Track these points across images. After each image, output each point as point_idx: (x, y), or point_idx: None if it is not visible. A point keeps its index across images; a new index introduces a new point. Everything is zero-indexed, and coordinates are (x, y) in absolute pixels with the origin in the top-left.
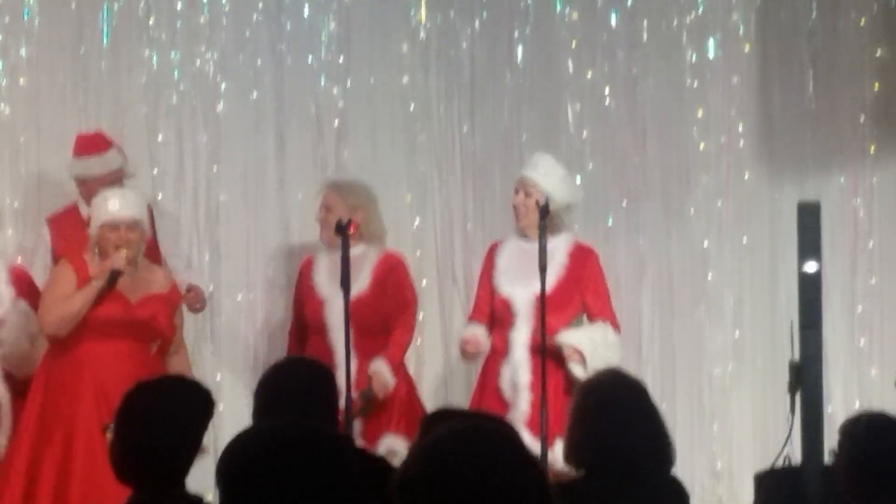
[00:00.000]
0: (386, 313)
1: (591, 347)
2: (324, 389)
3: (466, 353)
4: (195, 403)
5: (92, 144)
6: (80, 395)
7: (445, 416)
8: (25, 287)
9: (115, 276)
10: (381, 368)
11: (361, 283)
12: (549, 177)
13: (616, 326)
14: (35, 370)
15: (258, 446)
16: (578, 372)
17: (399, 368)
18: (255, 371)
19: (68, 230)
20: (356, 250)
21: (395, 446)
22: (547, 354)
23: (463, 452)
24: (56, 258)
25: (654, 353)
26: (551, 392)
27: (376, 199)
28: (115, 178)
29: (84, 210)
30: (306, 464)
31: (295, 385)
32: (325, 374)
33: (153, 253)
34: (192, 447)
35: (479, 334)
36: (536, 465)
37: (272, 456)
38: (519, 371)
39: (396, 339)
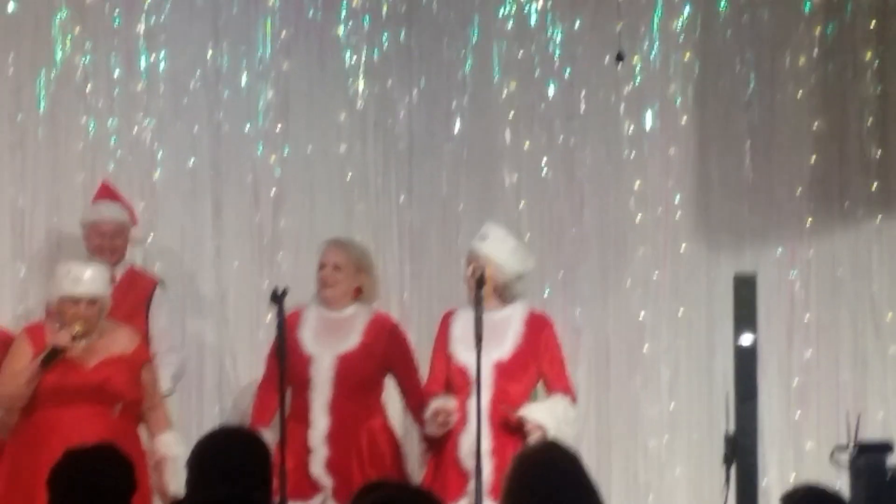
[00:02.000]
0: (370, 372)
1: (554, 424)
2: (258, 459)
3: (438, 423)
4: (120, 472)
5: (104, 192)
6: (42, 462)
7: (378, 488)
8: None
9: (54, 353)
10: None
11: (351, 341)
12: (497, 248)
13: (573, 397)
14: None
15: None
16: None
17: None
18: (188, 437)
19: None
20: (347, 311)
21: None
22: (507, 425)
23: None
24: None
25: (591, 424)
26: (510, 458)
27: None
28: (105, 232)
29: None
30: None
31: (228, 455)
32: (258, 445)
33: (131, 318)
34: None
35: (450, 405)
36: None
37: None
38: (481, 439)
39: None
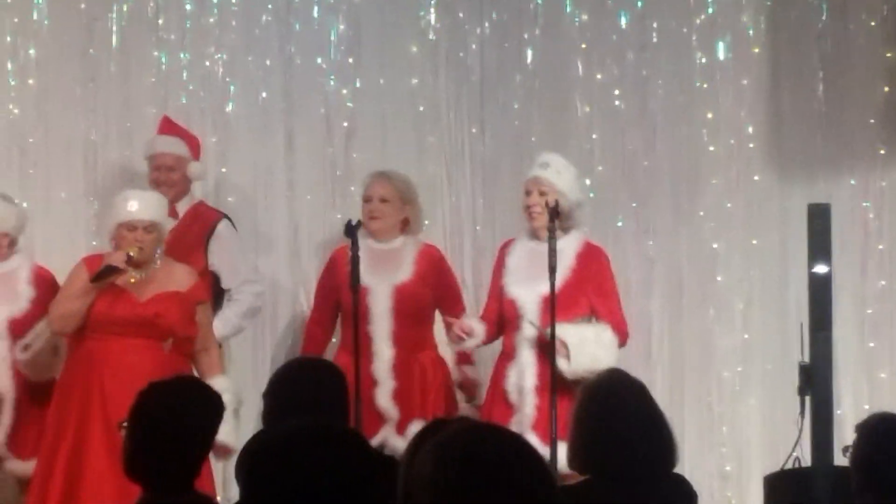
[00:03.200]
0: (426, 302)
1: (578, 341)
2: (335, 389)
3: (452, 335)
4: (204, 406)
5: (165, 126)
6: (90, 392)
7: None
8: (47, 287)
9: (108, 271)
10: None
11: (404, 272)
12: (561, 175)
13: (620, 329)
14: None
15: (277, 444)
16: (563, 365)
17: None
18: (262, 371)
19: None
20: (395, 243)
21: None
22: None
23: (475, 452)
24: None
25: (664, 356)
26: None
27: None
28: (160, 166)
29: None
30: (323, 459)
31: (305, 386)
32: (335, 374)
33: (190, 253)
34: (200, 449)
35: (475, 325)
36: (546, 466)
37: (291, 452)
38: (525, 374)
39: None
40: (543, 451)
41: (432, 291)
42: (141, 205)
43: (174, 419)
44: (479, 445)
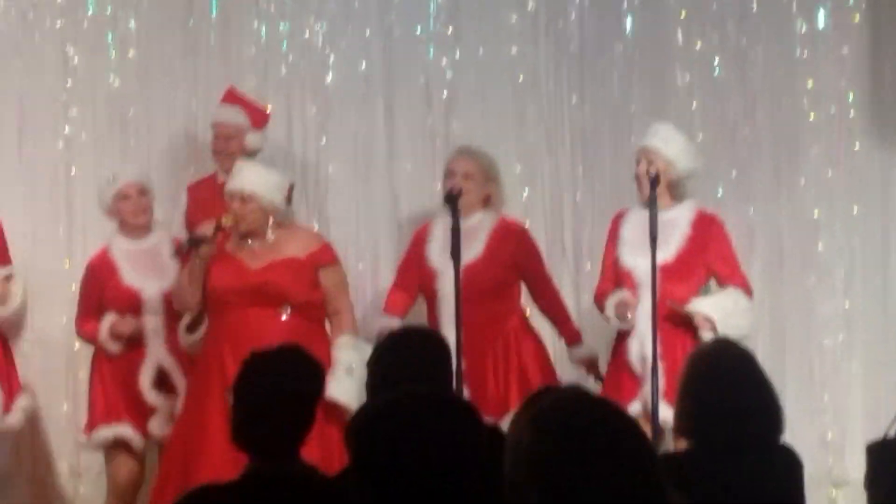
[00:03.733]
0: (496, 281)
1: (722, 315)
2: (441, 358)
3: (622, 311)
4: (306, 375)
5: (227, 96)
6: (213, 364)
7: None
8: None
9: (192, 242)
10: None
11: (475, 250)
12: (670, 144)
13: (748, 291)
14: None
15: (389, 412)
16: (707, 337)
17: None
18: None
19: (203, 197)
20: (473, 219)
21: None
22: (676, 323)
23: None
24: (188, 225)
25: (765, 324)
26: (680, 360)
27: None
28: (219, 134)
29: (221, 178)
30: (436, 428)
31: (411, 355)
32: (439, 342)
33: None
34: (305, 418)
35: (627, 296)
36: (645, 437)
37: (403, 420)
38: (646, 343)
39: (562, 310)
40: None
41: (509, 265)
42: (239, 176)
43: (274, 387)
44: (577, 416)
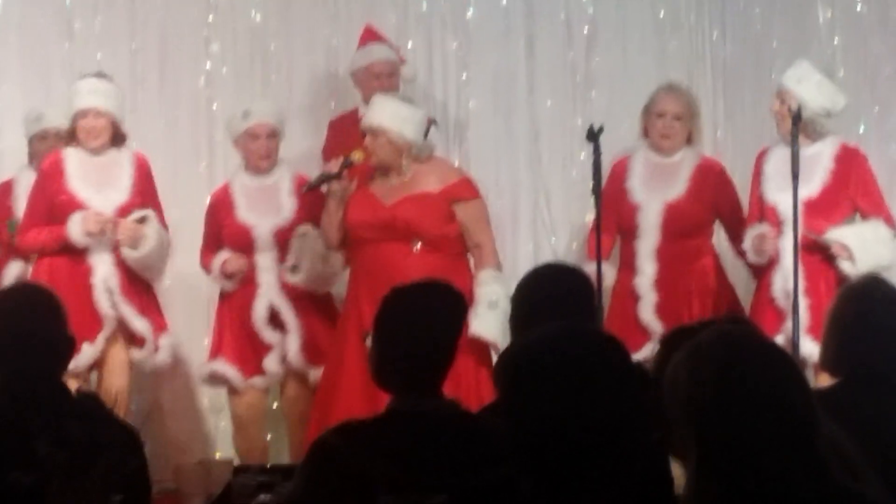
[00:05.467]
0: (698, 219)
1: (859, 242)
2: (582, 294)
3: (763, 251)
4: (450, 308)
5: (360, 38)
6: (351, 298)
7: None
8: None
9: (320, 180)
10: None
11: (678, 188)
12: (802, 83)
13: (891, 223)
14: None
15: (538, 348)
16: (847, 268)
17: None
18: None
19: (344, 133)
20: (678, 156)
21: None
22: (820, 257)
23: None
24: (326, 158)
25: None
26: (823, 294)
27: None
28: (382, 73)
29: (363, 112)
30: (585, 363)
31: (554, 290)
32: (582, 278)
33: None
34: (447, 354)
35: (767, 230)
36: (803, 376)
37: (553, 357)
38: (789, 278)
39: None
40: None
41: (709, 204)
42: (370, 111)
43: (415, 322)
44: (735, 356)
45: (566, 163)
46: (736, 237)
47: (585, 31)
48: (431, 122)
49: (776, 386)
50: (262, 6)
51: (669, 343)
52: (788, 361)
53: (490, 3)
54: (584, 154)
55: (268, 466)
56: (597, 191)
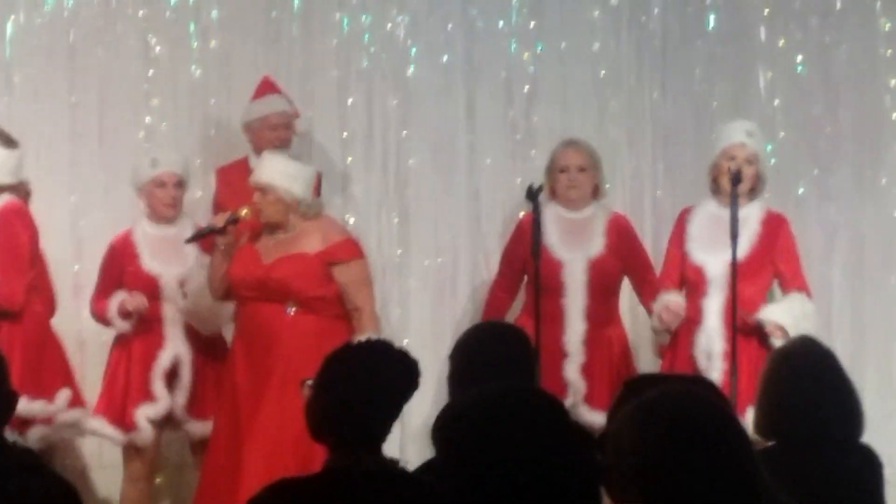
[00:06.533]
0: (618, 275)
1: (793, 322)
2: (520, 352)
3: (665, 320)
4: (402, 371)
5: (257, 89)
6: (232, 354)
7: (650, 381)
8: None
9: (202, 232)
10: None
11: (596, 245)
12: (760, 144)
13: (808, 293)
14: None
15: (476, 407)
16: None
17: None
18: (441, 335)
19: (234, 181)
20: (587, 211)
21: None
22: (742, 325)
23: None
24: (216, 209)
25: (845, 324)
26: (745, 362)
27: None
28: (278, 124)
29: (253, 163)
30: (523, 422)
31: (492, 348)
32: (520, 336)
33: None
34: (393, 413)
35: (680, 301)
36: (747, 436)
37: (491, 415)
38: (713, 339)
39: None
40: None
41: (622, 262)
42: (259, 167)
43: (359, 379)
44: (684, 412)
45: (505, 221)
46: (646, 293)
47: (526, 90)
48: (320, 177)
49: (722, 447)
50: (201, 62)
51: (634, 388)
52: (736, 424)
53: (431, 60)
54: (524, 213)
55: None
56: (536, 250)
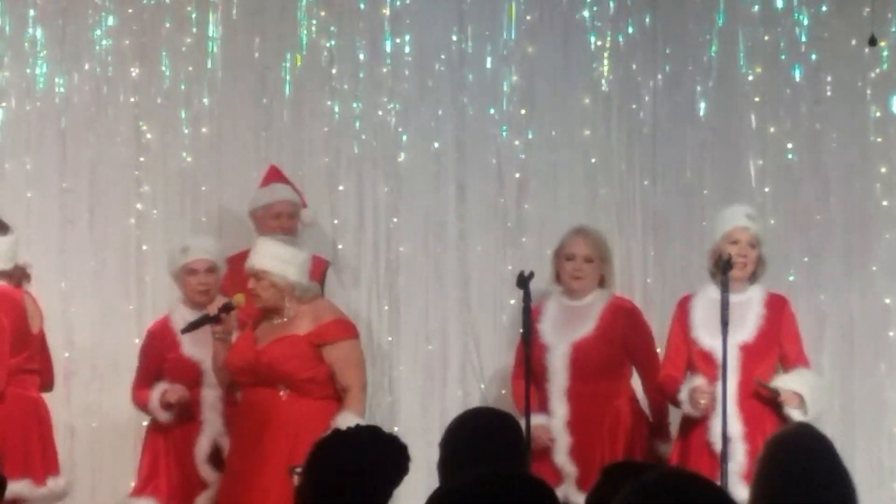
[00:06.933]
0: (607, 358)
1: (809, 390)
2: (510, 439)
3: (699, 404)
4: (390, 456)
5: (264, 177)
6: (233, 440)
7: (630, 468)
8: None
9: (200, 320)
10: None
11: (586, 328)
12: (756, 221)
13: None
14: None
15: (466, 493)
16: (797, 416)
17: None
18: (432, 421)
19: (241, 269)
20: (588, 298)
21: None
22: (761, 403)
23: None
24: (225, 294)
25: (834, 409)
26: (762, 441)
27: None
28: (282, 213)
29: None
30: None
31: (482, 435)
32: (511, 423)
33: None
34: (382, 500)
35: (706, 384)
36: None
37: (486, 501)
38: (730, 423)
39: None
40: None
41: (620, 344)
42: (252, 253)
43: (357, 468)
44: (687, 494)
45: (496, 308)
46: (648, 378)
47: (517, 177)
48: (328, 264)
49: None
50: (192, 148)
51: (612, 475)
52: None
53: (421, 147)
54: (514, 300)
55: None
56: (526, 337)
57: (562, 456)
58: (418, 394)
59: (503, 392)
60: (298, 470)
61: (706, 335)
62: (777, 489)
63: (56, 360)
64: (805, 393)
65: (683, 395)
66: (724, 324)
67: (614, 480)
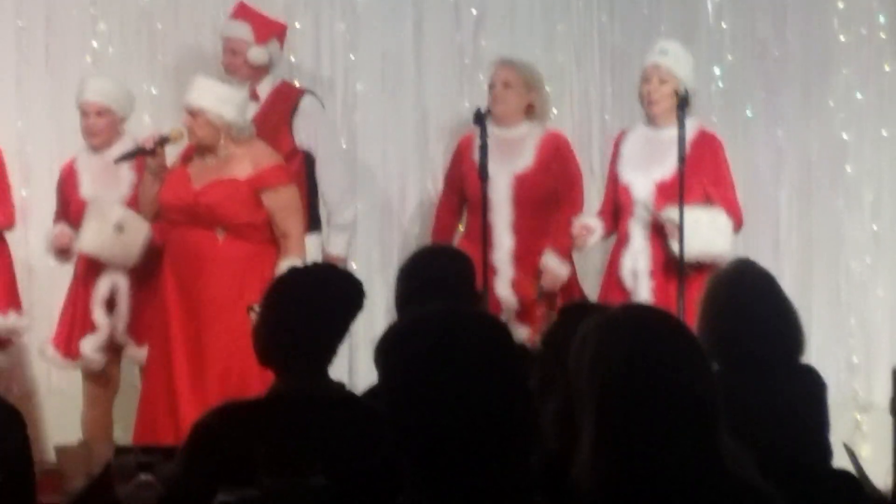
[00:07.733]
0: (548, 191)
1: (692, 223)
2: (463, 275)
3: (581, 234)
4: (346, 292)
5: (238, 11)
6: (166, 279)
7: (584, 308)
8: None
9: (135, 152)
10: (551, 262)
11: (525, 160)
12: (680, 62)
13: (736, 215)
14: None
15: (418, 329)
16: (675, 248)
17: (568, 253)
18: (389, 258)
19: None
20: (520, 130)
21: None
22: (664, 239)
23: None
24: None
25: (792, 246)
26: (669, 277)
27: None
28: (226, 48)
29: None
30: (466, 343)
31: (436, 271)
32: (463, 260)
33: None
34: (339, 335)
35: (591, 222)
36: (709, 363)
37: (434, 337)
38: (639, 258)
39: (563, 224)
40: None
41: (554, 179)
42: (189, 90)
43: (306, 302)
44: (646, 336)
45: (453, 145)
46: (564, 214)
47: (474, 13)
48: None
49: (683, 371)
50: None
51: (569, 315)
52: (697, 348)
53: None
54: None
55: (149, 447)
56: (484, 173)
57: (504, 289)
58: (376, 229)
59: (461, 227)
60: (257, 308)
61: (627, 170)
62: (720, 326)
63: (14, 199)
64: (688, 225)
65: (573, 229)
66: (682, 159)
67: (571, 320)
